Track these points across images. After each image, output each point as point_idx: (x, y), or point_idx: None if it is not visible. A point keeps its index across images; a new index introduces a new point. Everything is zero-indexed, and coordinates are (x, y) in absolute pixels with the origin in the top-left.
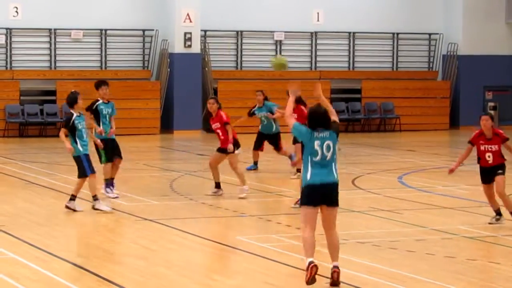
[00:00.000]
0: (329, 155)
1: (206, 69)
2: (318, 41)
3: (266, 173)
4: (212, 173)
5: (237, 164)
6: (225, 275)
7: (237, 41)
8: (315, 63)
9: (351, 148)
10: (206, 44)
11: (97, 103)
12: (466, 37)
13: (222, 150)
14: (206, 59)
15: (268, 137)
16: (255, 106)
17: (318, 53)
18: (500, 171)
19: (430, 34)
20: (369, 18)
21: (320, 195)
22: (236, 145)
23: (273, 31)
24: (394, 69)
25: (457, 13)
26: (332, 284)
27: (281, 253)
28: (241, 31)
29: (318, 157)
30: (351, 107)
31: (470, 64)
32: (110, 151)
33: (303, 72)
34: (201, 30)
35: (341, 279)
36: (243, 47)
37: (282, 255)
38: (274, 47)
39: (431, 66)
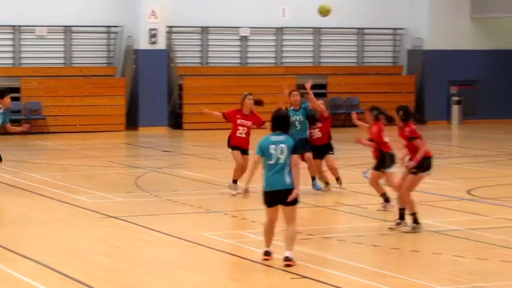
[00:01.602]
0: (282, 158)
1: (172, 65)
2: (283, 37)
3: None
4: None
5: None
6: (190, 271)
7: (203, 37)
8: (281, 59)
9: None
10: (172, 41)
11: None
12: (431, 32)
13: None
14: (172, 55)
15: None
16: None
17: (283, 48)
18: None
19: (395, 29)
20: (334, 14)
21: (273, 200)
22: None
23: (239, 27)
24: (360, 64)
25: (422, 8)
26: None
27: (246, 249)
28: (207, 27)
29: (272, 161)
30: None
31: (435, 58)
32: None
33: (268, 67)
34: (167, 26)
35: (306, 274)
36: (209, 43)
37: (247, 251)
38: (239, 43)
39: (396, 61)
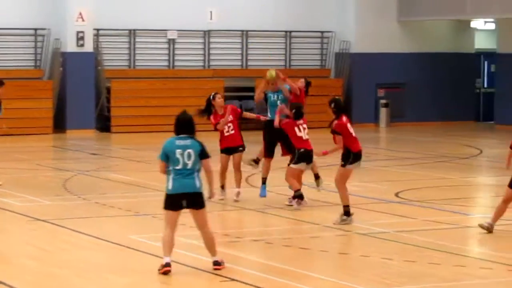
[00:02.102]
0: (190, 163)
1: (99, 68)
2: (211, 40)
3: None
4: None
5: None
6: (119, 274)
7: (130, 40)
8: (209, 62)
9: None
10: (99, 43)
11: None
12: (358, 35)
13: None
14: (99, 58)
15: None
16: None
17: (211, 51)
18: None
19: (323, 32)
20: (262, 17)
21: (178, 204)
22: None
23: (166, 30)
24: (287, 67)
25: (349, 11)
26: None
27: (174, 252)
28: (134, 30)
29: (180, 166)
30: (244, 105)
31: (362, 61)
32: None
33: (196, 70)
34: (94, 29)
35: (235, 277)
36: (136, 46)
37: (175, 254)
38: (167, 46)
39: (324, 64)
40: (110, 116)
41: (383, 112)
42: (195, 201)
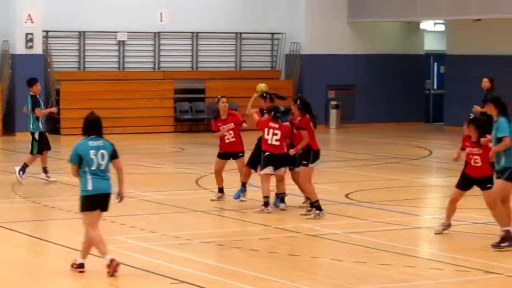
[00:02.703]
0: (103, 164)
1: (49, 70)
2: (161, 41)
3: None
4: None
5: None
6: (68, 277)
7: (80, 41)
8: (159, 63)
9: (195, 148)
10: (48, 45)
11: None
12: (308, 36)
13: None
14: (49, 60)
15: None
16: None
17: (161, 53)
18: None
19: (273, 34)
20: (212, 18)
21: (98, 203)
22: None
23: (116, 32)
24: (238, 68)
25: (299, 12)
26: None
27: (124, 254)
28: (84, 32)
29: (94, 167)
30: (194, 107)
31: (312, 63)
32: None
33: (146, 72)
34: (43, 31)
35: (185, 279)
36: (86, 47)
37: (125, 256)
38: (117, 48)
39: (274, 65)
40: (60, 118)
41: (333, 113)
42: (106, 203)
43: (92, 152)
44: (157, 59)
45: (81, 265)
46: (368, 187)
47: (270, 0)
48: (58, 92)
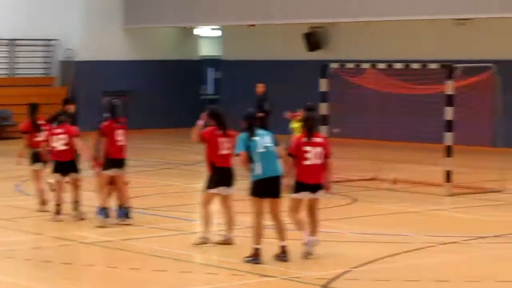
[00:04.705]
0: None
1: None
2: None
3: None
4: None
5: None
6: None
7: None
8: None
9: None
10: None
11: None
12: (83, 42)
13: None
14: None
15: None
16: None
17: None
18: None
19: (48, 40)
20: None
21: None
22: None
23: None
24: (11, 75)
25: (74, 19)
26: None
27: None
28: None
29: None
30: None
31: (88, 69)
32: None
33: None
34: None
35: None
36: None
37: None
38: None
39: (48, 72)
40: None
41: None
42: None
43: None
44: None
45: None
46: (143, 193)
47: (44, 6)
48: None
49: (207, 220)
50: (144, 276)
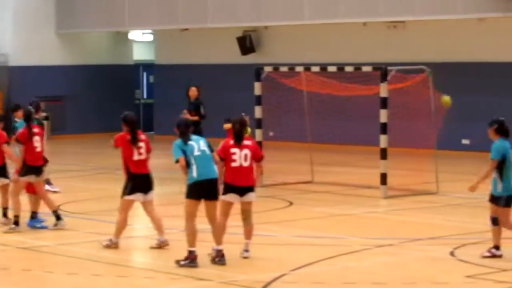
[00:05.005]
0: None
1: None
2: None
3: None
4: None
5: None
6: None
7: None
8: None
9: None
10: None
11: None
12: (16, 47)
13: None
14: None
15: None
16: None
17: None
18: None
19: None
20: None
21: None
22: None
23: None
24: None
25: (6, 23)
26: None
27: None
28: None
29: None
30: None
31: (21, 74)
32: None
33: None
34: None
35: None
36: None
37: None
38: None
39: None
40: None
41: (44, 125)
42: None
43: None
44: None
45: None
46: (79, 198)
47: None
48: None
49: (120, 226)
50: (81, 281)
